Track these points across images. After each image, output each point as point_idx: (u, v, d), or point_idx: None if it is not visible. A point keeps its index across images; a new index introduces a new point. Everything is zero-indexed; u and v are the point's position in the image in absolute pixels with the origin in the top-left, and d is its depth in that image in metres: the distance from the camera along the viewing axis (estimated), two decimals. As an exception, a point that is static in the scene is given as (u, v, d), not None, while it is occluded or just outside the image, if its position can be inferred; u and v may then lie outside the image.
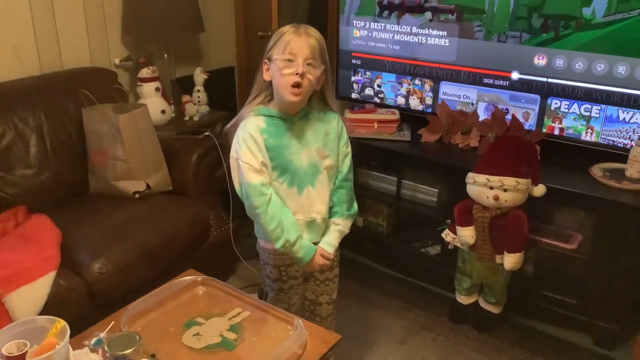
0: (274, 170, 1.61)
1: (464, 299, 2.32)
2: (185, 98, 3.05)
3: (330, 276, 1.87)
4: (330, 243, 1.72)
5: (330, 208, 1.73)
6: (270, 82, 1.60)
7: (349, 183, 1.74)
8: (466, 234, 2.11)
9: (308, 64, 1.53)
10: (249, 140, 1.57)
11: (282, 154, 1.60)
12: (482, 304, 2.30)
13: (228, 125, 1.67)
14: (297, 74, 1.51)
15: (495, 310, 2.27)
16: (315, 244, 1.71)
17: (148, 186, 2.39)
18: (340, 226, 1.74)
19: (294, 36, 1.52)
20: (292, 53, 1.52)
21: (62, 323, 1.32)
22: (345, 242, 2.81)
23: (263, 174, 1.58)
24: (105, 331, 1.46)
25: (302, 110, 1.63)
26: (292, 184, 1.63)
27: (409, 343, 2.31)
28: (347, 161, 1.72)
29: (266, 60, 1.59)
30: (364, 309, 2.52)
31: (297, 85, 1.52)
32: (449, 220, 2.27)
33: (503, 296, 2.25)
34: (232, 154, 1.62)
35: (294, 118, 1.62)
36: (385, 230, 2.70)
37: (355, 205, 1.79)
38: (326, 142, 1.66)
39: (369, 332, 2.36)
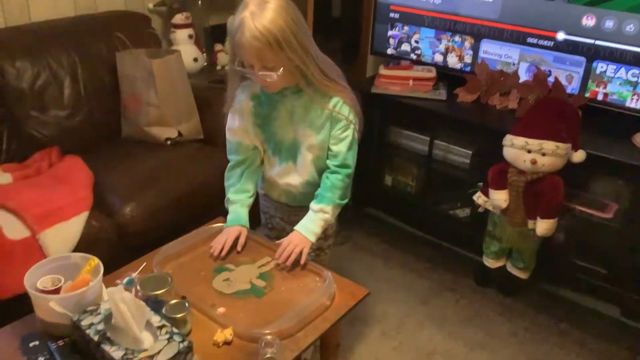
0: (262, 135, 1.62)
1: (491, 263, 2.30)
2: (218, 47, 3.01)
3: (324, 245, 1.79)
4: (312, 231, 1.57)
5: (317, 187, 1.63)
6: None
7: (347, 170, 1.58)
8: (499, 198, 2.07)
9: (264, 67, 1.40)
10: (237, 105, 1.58)
11: (269, 125, 1.58)
12: (510, 268, 2.27)
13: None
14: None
15: (523, 275, 2.25)
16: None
17: (179, 133, 2.39)
18: (328, 215, 1.58)
19: (239, 41, 1.37)
20: (243, 61, 1.42)
21: (95, 261, 1.34)
22: (372, 200, 2.84)
23: (238, 136, 1.61)
24: (137, 272, 1.47)
25: (296, 86, 1.50)
26: (275, 154, 1.64)
27: (432, 303, 2.31)
28: (343, 146, 1.56)
29: None
30: (388, 267, 2.52)
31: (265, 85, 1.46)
32: (480, 183, 2.23)
33: (532, 262, 2.22)
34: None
35: (286, 91, 1.51)
36: (414, 190, 2.67)
37: (349, 195, 1.65)
38: (314, 122, 1.54)
39: (392, 290, 2.36)
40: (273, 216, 1.82)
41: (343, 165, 1.58)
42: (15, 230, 1.76)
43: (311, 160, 1.59)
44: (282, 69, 1.40)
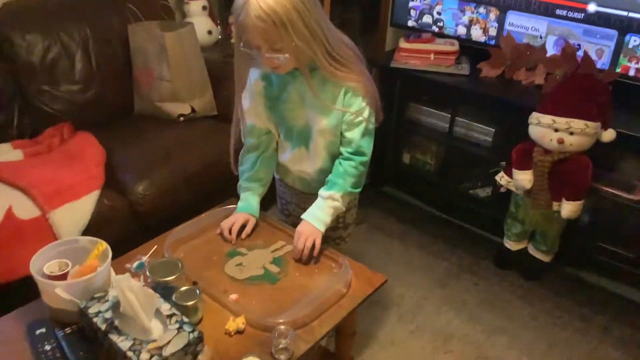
0: (273, 118, 1.54)
1: (512, 245, 2.23)
2: (232, 19, 2.92)
3: (344, 234, 1.74)
4: (322, 220, 1.49)
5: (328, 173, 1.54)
6: None
7: (361, 157, 1.49)
8: (523, 178, 1.99)
9: (271, 49, 1.31)
10: (249, 85, 1.50)
11: (279, 107, 1.50)
12: (532, 251, 2.21)
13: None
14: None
15: (545, 258, 2.18)
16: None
17: (193, 109, 2.33)
18: (337, 203, 1.49)
19: (243, 22, 1.28)
20: (249, 43, 1.33)
21: (104, 245, 1.30)
22: (389, 179, 2.77)
23: (251, 118, 1.54)
24: (148, 255, 1.44)
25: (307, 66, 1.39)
26: (287, 139, 1.56)
27: (450, 286, 2.25)
28: (357, 133, 1.46)
29: None
30: (405, 248, 2.46)
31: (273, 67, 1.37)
32: (503, 163, 2.15)
33: (555, 245, 2.15)
34: None
35: (296, 72, 1.42)
36: (433, 169, 2.60)
37: (363, 184, 1.55)
38: (324, 104, 1.44)
39: (409, 273, 2.31)
40: (289, 202, 1.76)
41: (357, 153, 1.49)
42: (25, 209, 1.73)
43: (323, 146, 1.51)
44: (288, 53, 1.31)
